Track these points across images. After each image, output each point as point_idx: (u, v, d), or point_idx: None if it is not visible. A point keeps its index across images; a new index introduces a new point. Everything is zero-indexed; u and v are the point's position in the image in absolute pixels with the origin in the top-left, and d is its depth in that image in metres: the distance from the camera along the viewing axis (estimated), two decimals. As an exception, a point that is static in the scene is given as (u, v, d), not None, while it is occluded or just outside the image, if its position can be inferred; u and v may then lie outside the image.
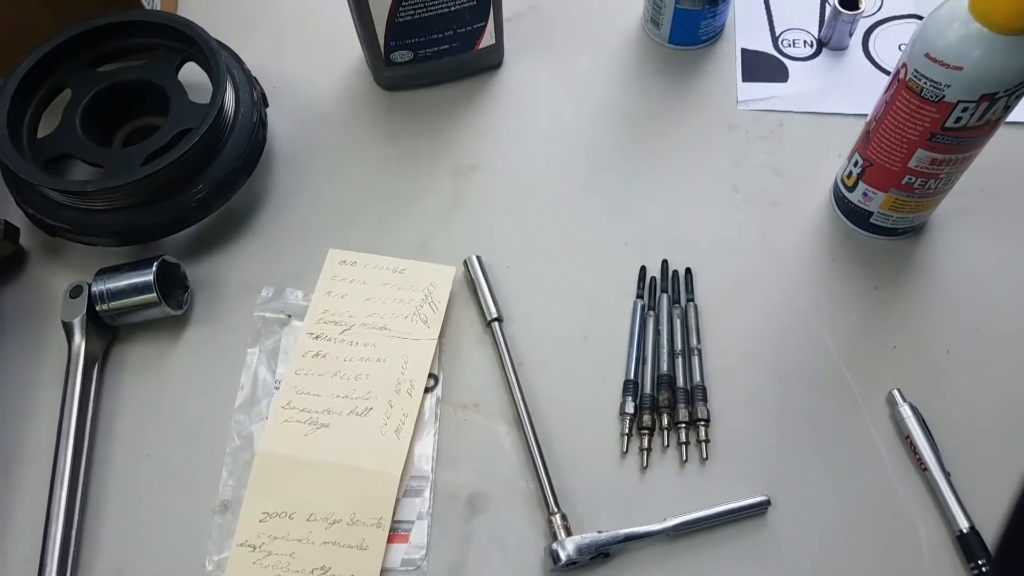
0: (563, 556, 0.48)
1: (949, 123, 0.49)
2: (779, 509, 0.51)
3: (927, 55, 0.47)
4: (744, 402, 0.55)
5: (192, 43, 0.61)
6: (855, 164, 0.57)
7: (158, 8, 0.69)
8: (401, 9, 0.61)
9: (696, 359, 0.56)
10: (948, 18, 0.46)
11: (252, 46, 0.66)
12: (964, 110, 0.48)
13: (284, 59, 0.70)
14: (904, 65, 0.49)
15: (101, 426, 0.55)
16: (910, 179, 0.54)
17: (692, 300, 0.58)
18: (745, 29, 0.71)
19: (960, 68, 0.46)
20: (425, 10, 0.62)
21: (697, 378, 0.55)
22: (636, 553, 0.50)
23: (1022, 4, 0.43)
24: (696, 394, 0.54)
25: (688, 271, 0.59)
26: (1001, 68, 0.45)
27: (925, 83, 0.48)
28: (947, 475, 0.51)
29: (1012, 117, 0.49)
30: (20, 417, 0.56)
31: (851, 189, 0.58)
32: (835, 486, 0.52)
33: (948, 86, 0.47)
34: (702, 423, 0.53)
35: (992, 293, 0.58)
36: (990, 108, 0.47)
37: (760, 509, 0.51)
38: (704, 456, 0.53)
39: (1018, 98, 0.47)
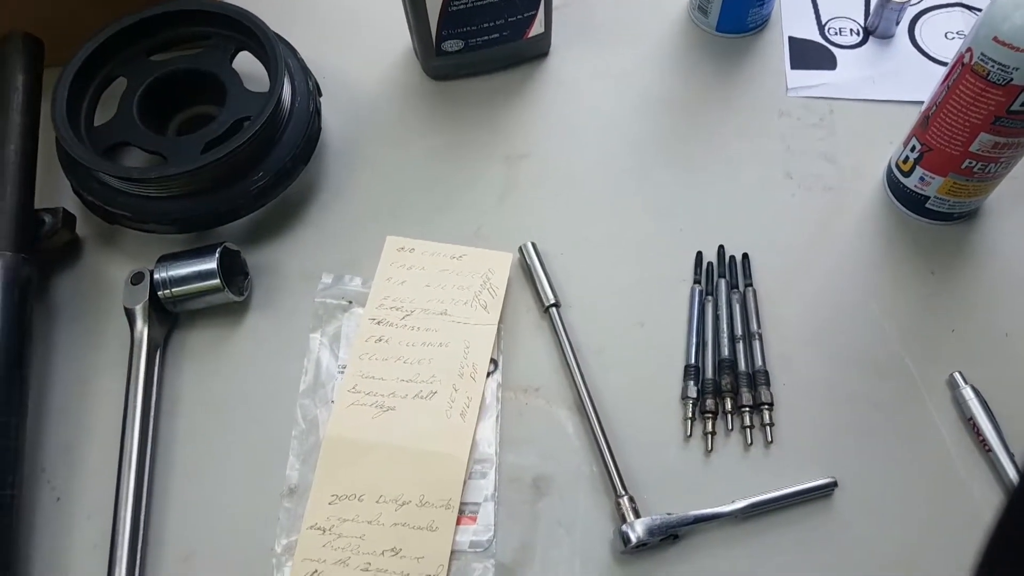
0: (633, 537, 0.48)
1: (1015, 106, 0.49)
2: (844, 492, 0.51)
3: (995, 39, 0.47)
4: (806, 386, 0.55)
5: (248, 32, 0.62)
6: (912, 149, 0.57)
7: (210, -2, 0.69)
8: (455, -2, 0.62)
9: (757, 343, 0.56)
10: (1015, 2, 0.46)
11: (300, 36, 0.66)
12: (1032, 92, 0.48)
13: (332, 49, 0.71)
14: (969, 50, 0.50)
15: (164, 412, 0.56)
16: (970, 163, 0.54)
17: (751, 285, 0.58)
18: (792, 17, 0.72)
19: (1030, 50, 0.46)
20: (478, -1, 0.62)
21: (759, 362, 0.55)
22: (704, 535, 0.50)
23: (1095, -15, 0.43)
24: (759, 378, 0.54)
25: (745, 256, 0.60)
26: (1072, 50, 0.46)
27: (992, 66, 0.48)
28: (1011, 455, 0.51)
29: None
30: (83, 404, 0.56)
31: (907, 174, 0.59)
32: (899, 469, 0.52)
33: (1016, 68, 0.47)
34: (766, 407, 0.53)
35: (1048, 277, 0.58)
36: (1059, 90, 0.48)
37: (827, 491, 0.51)
38: (769, 439, 0.53)
39: (1087, 80, 0.48)
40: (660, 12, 0.73)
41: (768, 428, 0.53)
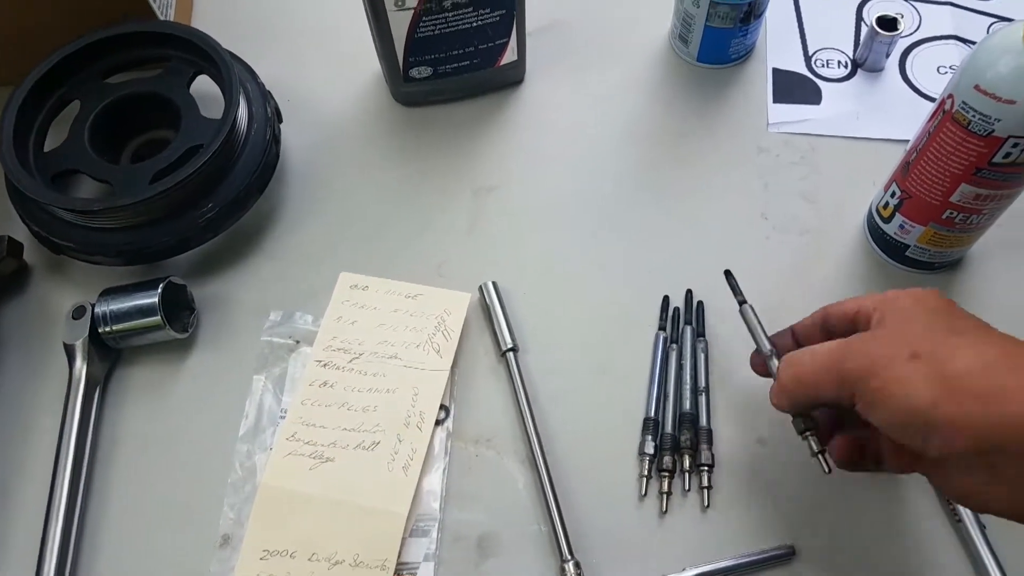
0: (576, 608, 0.45)
1: (997, 158, 0.46)
2: (804, 558, 0.48)
3: (977, 87, 0.44)
4: (774, 444, 0.52)
5: (205, 56, 0.60)
6: (892, 195, 0.54)
7: (171, 19, 0.68)
8: (422, 24, 0.59)
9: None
10: (1000, 49, 0.43)
11: (267, 59, 0.65)
12: (1015, 146, 0.45)
13: (300, 72, 0.69)
14: (950, 96, 0.47)
15: (101, 452, 0.54)
16: (951, 213, 0.51)
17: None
18: (777, 48, 0.69)
19: (1013, 102, 0.43)
20: (446, 25, 0.60)
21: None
22: (653, 605, 0.48)
23: (1081, 35, 0.40)
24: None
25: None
26: (1056, 102, 0.43)
27: (973, 116, 0.45)
28: (982, 528, 0.48)
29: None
30: (19, 439, 0.54)
31: (887, 220, 0.56)
32: (863, 534, 0.49)
33: (998, 120, 0.44)
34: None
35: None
36: (1042, 144, 0.44)
37: (784, 559, 0.48)
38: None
39: (1073, 134, 0.44)
40: (640, 40, 0.70)
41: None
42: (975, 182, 0.48)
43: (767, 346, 0.48)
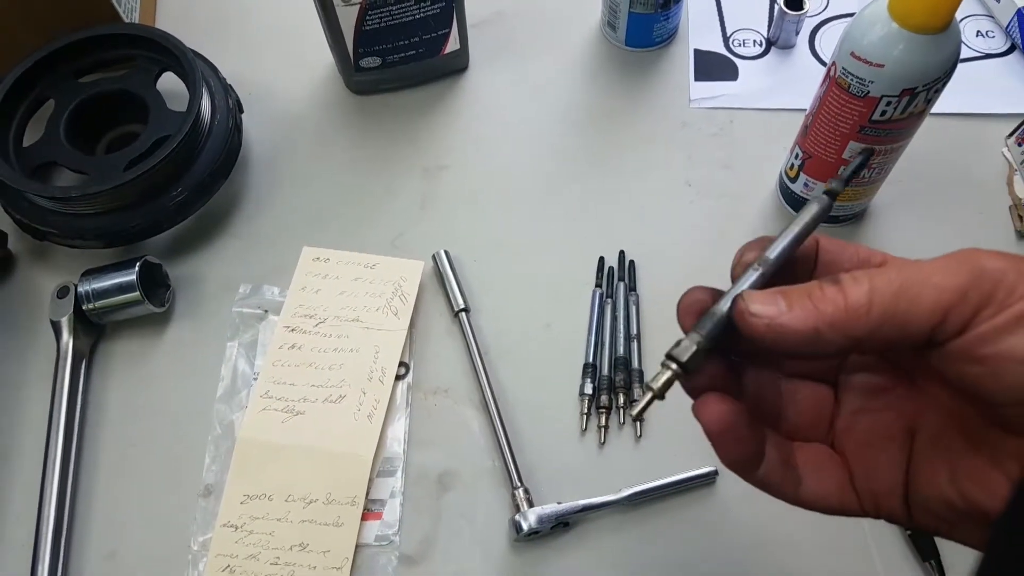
0: (525, 526, 0.51)
1: (875, 116, 0.53)
2: (726, 479, 0.55)
3: (852, 54, 0.51)
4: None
5: (169, 54, 0.64)
6: (796, 157, 0.61)
7: (137, 21, 0.72)
8: (368, 17, 0.65)
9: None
10: (871, 19, 0.50)
11: (228, 55, 0.70)
12: (888, 104, 0.51)
13: (258, 67, 0.74)
14: (834, 63, 0.53)
15: (89, 419, 0.58)
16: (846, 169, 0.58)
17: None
18: (698, 30, 0.75)
19: (882, 65, 0.50)
20: (391, 18, 0.65)
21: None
22: (594, 522, 0.54)
23: (935, 6, 0.47)
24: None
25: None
26: (919, 64, 0.49)
27: (852, 79, 0.52)
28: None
29: (943, 108, 0.53)
30: (12, 412, 0.59)
31: (793, 180, 0.62)
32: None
33: (872, 82, 0.51)
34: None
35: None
36: (911, 102, 0.51)
37: (709, 479, 0.54)
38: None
39: (937, 92, 0.51)
40: (574, 29, 0.76)
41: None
42: (861, 139, 0.55)
43: (776, 250, 0.32)
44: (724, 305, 0.31)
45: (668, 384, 0.32)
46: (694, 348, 0.31)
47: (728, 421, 0.31)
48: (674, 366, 0.31)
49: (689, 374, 0.32)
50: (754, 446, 0.33)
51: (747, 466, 0.33)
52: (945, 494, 0.31)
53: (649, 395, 0.32)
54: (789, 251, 0.32)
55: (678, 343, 0.32)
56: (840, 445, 0.35)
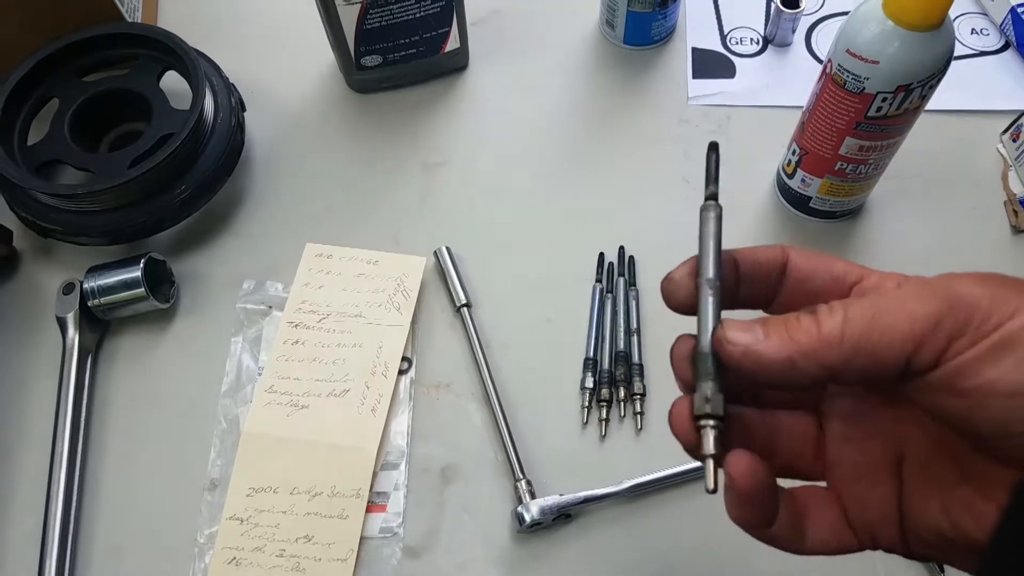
0: (527, 517, 0.52)
1: (871, 112, 0.53)
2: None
3: (848, 51, 0.52)
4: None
5: (172, 53, 0.65)
6: (793, 153, 0.62)
7: (140, 20, 0.73)
8: (369, 16, 0.65)
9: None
10: (865, 17, 0.51)
11: (230, 54, 0.70)
12: (884, 100, 0.52)
13: (261, 66, 0.74)
14: (830, 60, 0.54)
15: (95, 414, 0.59)
16: (842, 165, 0.58)
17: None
18: (696, 29, 0.76)
19: (877, 62, 0.50)
20: (392, 16, 0.66)
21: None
22: (595, 514, 0.54)
23: (929, 4, 0.48)
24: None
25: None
26: (913, 61, 0.50)
27: (848, 76, 0.52)
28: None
29: (939, 106, 0.53)
30: (19, 408, 0.59)
31: (791, 176, 0.63)
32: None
33: (868, 79, 0.51)
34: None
35: (923, 270, 0.62)
36: (906, 98, 0.52)
37: (709, 471, 0.55)
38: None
39: (931, 88, 0.52)
40: (572, 27, 0.77)
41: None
42: (857, 135, 0.55)
43: (710, 271, 0.32)
44: (706, 340, 0.31)
45: (718, 441, 0.30)
46: (721, 395, 0.30)
47: (761, 480, 0.30)
48: (712, 423, 0.30)
49: (723, 420, 0.30)
50: (774, 505, 0.32)
51: (763, 525, 0.32)
52: (938, 525, 0.30)
53: (711, 463, 0.30)
54: (719, 262, 0.32)
55: (702, 397, 0.30)
56: (831, 479, 0.34)
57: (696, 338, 0.32)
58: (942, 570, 0.52)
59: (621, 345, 0.60)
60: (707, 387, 0.30)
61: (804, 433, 0.35)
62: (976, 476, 0.30)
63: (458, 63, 0.74)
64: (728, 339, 0.30)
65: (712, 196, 0.34)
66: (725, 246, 0.33)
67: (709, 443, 0.30)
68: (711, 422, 0.30)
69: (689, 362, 0.32)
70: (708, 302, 0.31)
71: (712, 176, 0.35)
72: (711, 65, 0.74)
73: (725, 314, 0.32)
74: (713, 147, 0.35)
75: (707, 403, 0.30)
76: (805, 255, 0.34)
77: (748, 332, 0.30)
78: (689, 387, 0.32)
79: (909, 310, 0.28)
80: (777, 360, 0.29)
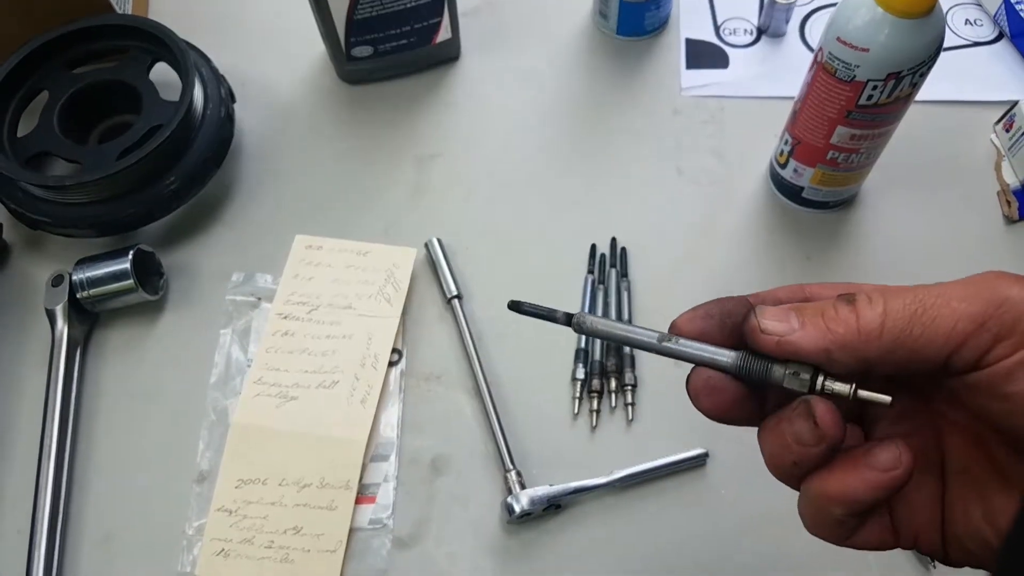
0: (517, 508, 0.52)
1: (862, 101, 0.53)
2: (717, 461, 0.55)
3: (838, 38, 0.51)
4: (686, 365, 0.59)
5: (162, 44, 0.65)
6: (785, 143, 0.61)
7: (129, 12, 0.73)
8: (360, 6, 0.65)
9: None
10: (856, 5, 0.50)
11: (220, 45, 0.70)
12: (874, 88, 0.52)
13: (251, 57, 0.74)
14: (821, 48, 0.54)
15: (84, 405, 0.59)
16: (834, 154, 0.58)
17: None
18: (689, 19, 0.76)
19: (867, 50, 0.50)
20: (383, 7, 0.66)
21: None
22: (585, 505, 0.54)
23: (919, -10, 0.48)
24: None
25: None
26: (903, 48, 0.50)
27: (838, 64, 0.52)
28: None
29: (933, 96, 0.53)
30: (7, 400, 0.59)
31: (783, 166, 0.63)
32: (770, 440, 0.56)
33: (858, 66, 0.51)
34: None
35: (916, 260, 0.63)
36: (897, 86, 0.52)
37: (699, 461, 0.55)
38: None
39: (922, 76, 0.52)
40: (565, 18, 0.76)
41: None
42: (848, 123, 0.55)
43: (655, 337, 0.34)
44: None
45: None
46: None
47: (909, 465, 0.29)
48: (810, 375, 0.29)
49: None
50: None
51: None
52: (981, 531, 0.30)
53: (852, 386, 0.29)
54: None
55: (795, 370, 0.30)
56: None
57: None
58: (934, 565, 0.52)
59: (612, 336, 0.59)
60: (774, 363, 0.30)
61: (851, 434, 0.34)
62: (1020, 482, 0.29)
63: (449, 54, 0.74)
64: (763, 328, 0.29)
65: (566, 317, 0.35)
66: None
67: (836, 384, 0.29)
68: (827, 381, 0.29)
69: (708, 391, 0.33)
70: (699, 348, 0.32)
71: (544, 314, 0.36)
72: (704, 56, 0.73)
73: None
74: (513, 306, 0.37)
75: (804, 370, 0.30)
76: (822, 288, 0.33)
77: (783, 321, 0.29)
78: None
79: (953, 308, 0.27)
80: (813, 352, 0.28)
